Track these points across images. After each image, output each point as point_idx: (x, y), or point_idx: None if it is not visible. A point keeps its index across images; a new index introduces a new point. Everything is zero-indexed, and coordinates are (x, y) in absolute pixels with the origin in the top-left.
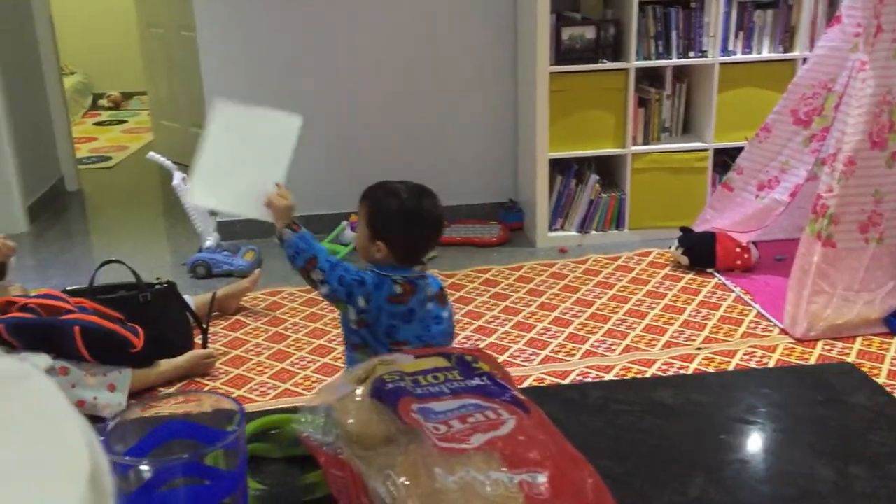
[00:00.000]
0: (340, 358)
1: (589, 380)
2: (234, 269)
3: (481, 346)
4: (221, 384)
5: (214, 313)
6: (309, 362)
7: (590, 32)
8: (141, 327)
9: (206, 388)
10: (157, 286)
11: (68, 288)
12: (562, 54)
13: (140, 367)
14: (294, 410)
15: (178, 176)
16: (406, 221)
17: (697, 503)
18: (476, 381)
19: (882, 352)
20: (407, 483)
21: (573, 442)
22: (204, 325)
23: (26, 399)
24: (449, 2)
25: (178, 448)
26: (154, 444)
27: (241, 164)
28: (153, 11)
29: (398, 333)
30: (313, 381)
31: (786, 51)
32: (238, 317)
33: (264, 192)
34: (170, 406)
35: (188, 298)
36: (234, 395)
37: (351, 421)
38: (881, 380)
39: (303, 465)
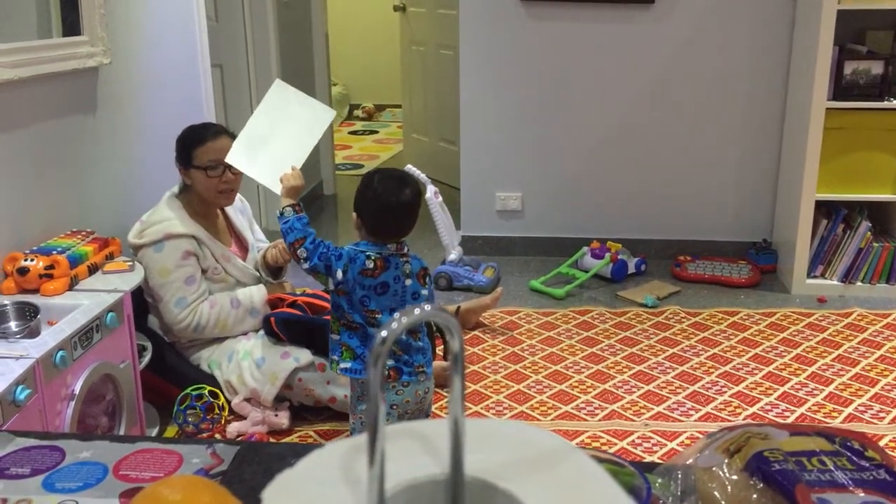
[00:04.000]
0: (578, 387)
1: None
2: (474, 283)
3: (727, 394)
4: None
5: None
6: (545, 387)
7: (877, 68)
8: None
9: (445, 400)
10: None
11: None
12: (842, 90)
13: None
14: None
15: (430, 189)
16: (376, 204)
17: None
18: (872, 474)
19: None
20: None
21: None
22: (445, 337)
23: (570, 474)
24: (719, 28)
25: None
26: None
27: (274, 139)
28: (417, 30)
29: (370, 303)
30: (549, 407)
31: None
32: (476, 332)
33: (282, 169)
34: None
35: None
36: (471, 411)
37: (718, 494)
38: None
39: None
